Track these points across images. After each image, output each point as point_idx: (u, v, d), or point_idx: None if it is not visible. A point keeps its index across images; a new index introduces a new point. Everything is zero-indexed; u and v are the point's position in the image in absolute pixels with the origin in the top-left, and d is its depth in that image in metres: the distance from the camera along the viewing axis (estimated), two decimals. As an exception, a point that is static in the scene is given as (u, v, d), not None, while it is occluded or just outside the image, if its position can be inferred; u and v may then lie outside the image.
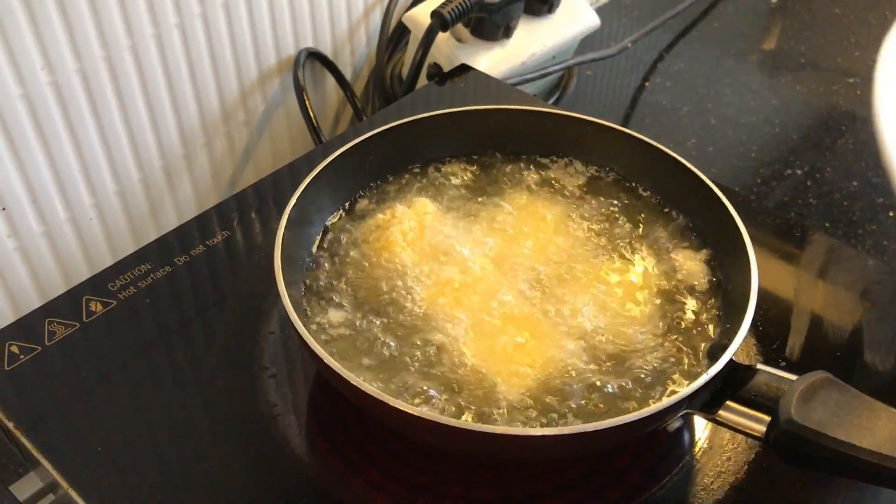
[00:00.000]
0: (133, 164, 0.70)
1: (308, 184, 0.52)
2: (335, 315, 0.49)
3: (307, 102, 0.77)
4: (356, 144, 0.56)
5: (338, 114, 0.88)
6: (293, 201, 0.51)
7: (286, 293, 0.45)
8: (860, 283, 0.59)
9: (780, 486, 0.47)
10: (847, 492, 0.47)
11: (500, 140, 0.61)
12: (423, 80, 0.79)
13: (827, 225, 0.78)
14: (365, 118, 0.83)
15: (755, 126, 0.91)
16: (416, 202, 0.55)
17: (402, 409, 0.40)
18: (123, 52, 0.65)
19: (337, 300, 0.50)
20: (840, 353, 0.54)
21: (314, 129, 0.77)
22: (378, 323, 0.49)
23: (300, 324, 0.44)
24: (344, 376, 0.41)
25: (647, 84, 0.97)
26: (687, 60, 1.00)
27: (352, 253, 0.53)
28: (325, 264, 0.53)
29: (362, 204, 0.57)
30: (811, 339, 0.55)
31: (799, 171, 0.85)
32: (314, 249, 0.54)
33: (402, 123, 0.58)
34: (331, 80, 0.84)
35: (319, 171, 0.53)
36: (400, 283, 0.51)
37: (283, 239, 0.48)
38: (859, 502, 0.47)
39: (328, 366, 0.42)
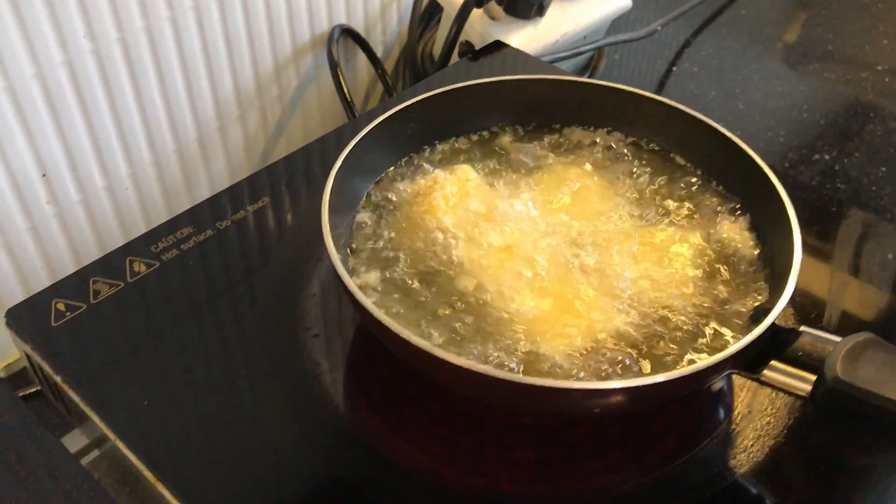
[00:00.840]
0: (169, 136, 0.71)
1: (352, 148, 0.53)
2: (378, 275, 0.50)
3: (341, 78, 0.77)
4: (397, 112, 0.56)
5: (368, 91, 0.88)
6: (339, 163, 0.51)
7: (334, 249, 0.46)
8: (896, 258, 0.59)
9: (820, 449, 0.47)
10: (886, 454, 0.47)
11: (540, 110, 0.61)
12: (454, 60, 0.80)
13: (855, 209, 0.78)
14: (395, 95, 0.83)
15: (783, 111, 0.91)
16: (457, 169, 0.55)
17: (451, 360, 0.41)
18: (163, 22, 0.65)
19: (380, 262, 0.51)
20: (878, 324, 0.54)
21: (348, 105, 0.77)
22: (421, 283, 0.49)
23: (346, 276, 0.44)
24: (394, 329, 0.42)
25: (674, 69, 0.97)
26: (714, 46, 1.00)
27: (394, 217, 0.54)
28: (368, 227, 0.53)
29: (403, 170, 0.57)
30: (848, 311, 0.55)
31: (827, 157, 0.85)
32: (357, 212, 0.54)
33: (445, 91, 0.58)
34: (362, 58, 0.84)
35: (362, 137, 0.54)
36: (442, 245, 0.51)
37: (329, 199, 0.49)
38: (899, 466, 0.47)
39: (376, 318, 0.42)
